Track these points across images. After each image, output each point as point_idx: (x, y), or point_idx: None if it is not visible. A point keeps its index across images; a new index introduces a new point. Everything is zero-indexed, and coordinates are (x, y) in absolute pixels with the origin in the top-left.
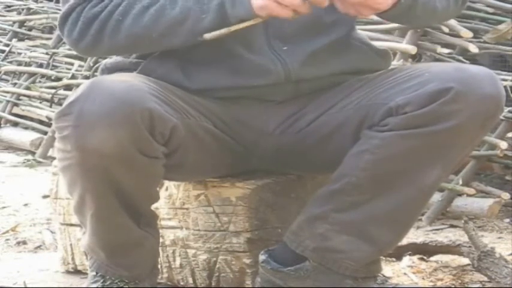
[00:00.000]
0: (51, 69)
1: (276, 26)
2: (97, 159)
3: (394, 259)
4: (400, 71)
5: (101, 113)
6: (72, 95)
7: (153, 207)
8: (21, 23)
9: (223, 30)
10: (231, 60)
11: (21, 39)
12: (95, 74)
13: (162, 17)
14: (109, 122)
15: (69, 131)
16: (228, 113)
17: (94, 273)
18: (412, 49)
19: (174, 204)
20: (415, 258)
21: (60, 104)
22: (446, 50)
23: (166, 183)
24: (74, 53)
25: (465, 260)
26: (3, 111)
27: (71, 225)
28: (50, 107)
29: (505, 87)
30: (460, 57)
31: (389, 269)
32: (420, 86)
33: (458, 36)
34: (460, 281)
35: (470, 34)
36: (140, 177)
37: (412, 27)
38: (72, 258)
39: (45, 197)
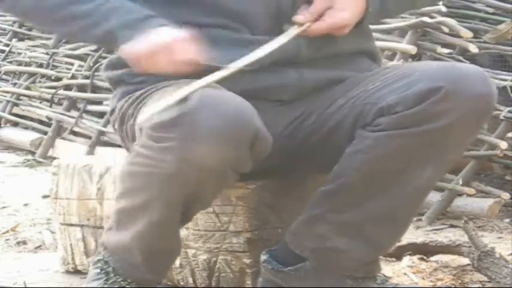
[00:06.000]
0: (51, 69)
1: (286, 16)
2: (195, 173)
3: (394, 259)
4: (393, 70)
5: (212, 128)
6: (173, 104)
7: None
8: (21, 23)
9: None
10: (240, 43)
11: (21, 39)
12: (95, 74)
13: (68, 6)
14: (218, 138)
15: (175, 143)
16: None
17: (98, 270)
18: (412, 49)
19: None
20: (415, 258)
21: (60, 104)
22: (446, 50)
23: None
24: (74, 53)
25: (465, 260)
26: (3, 111)
27: (71, 225)
28: (50, 107)
29: (504, 87)
30: (460, 57)
31: (389, 269)
32: (410, 85)
33: (458, 36)
34: (460, 281)
35: (470, 34)
36: (221, 190)
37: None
38: (72, 258)
39: (45, 197)
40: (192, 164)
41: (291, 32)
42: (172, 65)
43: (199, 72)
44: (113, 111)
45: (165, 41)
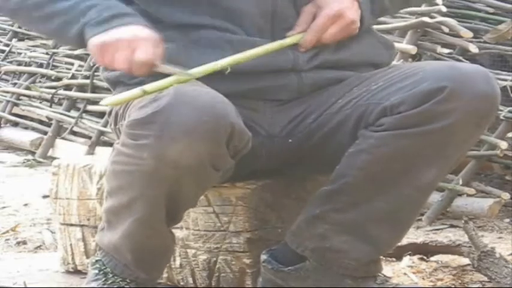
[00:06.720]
0: (51, 69)
1: (281, 17)
2: (172, 170)
3: (394, 259)
4: (395, 70)
5: (186, 125)
6: (149, 103)
7: None
8: None
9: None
10: (233, 44)
11: (21, 39)
12: (95, 74)
13: (48, 4)
14: (192, 134)
15: (150, 141)
16: None
17: (96, 271)
18: (412, 49)
19: None
20: (415, 258)
21: (60, 104)
22: (446, 50)
23: None
24: (74, 53)
25: (465, 260)
26: (3, 111)
27: (71, 225)
28: (50, 107)
29: (504, 87)
30: (460, 57)
31: (389, 269)
32: (414, 85)
33: (458, 36)
34: (460, 281)
35: (470, 34)
36: (202, 188)
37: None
38: (72, 258)
39: (45, 197)
40: (167, 161)
41: (287, 41)
42: (128, 63)
43: (152, 75)
44: (110, 111)
45: (127, 37)
